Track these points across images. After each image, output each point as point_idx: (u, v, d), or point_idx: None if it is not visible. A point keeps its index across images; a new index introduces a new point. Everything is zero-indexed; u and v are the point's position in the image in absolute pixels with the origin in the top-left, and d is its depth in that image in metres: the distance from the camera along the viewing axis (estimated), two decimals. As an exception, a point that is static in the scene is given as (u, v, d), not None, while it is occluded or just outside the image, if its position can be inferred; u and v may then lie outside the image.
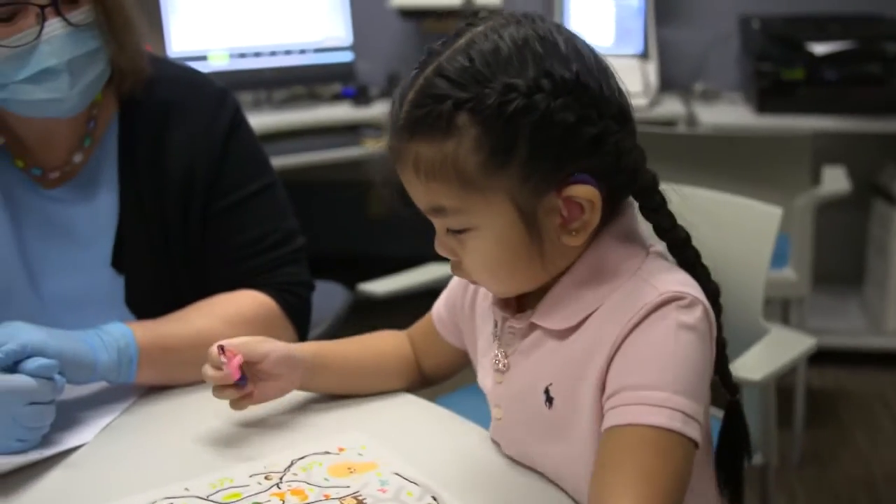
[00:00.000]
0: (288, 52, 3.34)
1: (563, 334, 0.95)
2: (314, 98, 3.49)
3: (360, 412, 1.15)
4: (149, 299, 1.28)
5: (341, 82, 3.52)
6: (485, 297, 1.08)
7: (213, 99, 1.33)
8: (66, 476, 1.02)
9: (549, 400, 0.95)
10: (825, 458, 2.58)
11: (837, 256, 3.40)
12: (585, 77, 0.87)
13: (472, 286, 1.11)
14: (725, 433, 1.08)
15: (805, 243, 2.63)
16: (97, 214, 1.29)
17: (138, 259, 1.29)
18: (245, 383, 1.06)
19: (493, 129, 0.86)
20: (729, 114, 3.00)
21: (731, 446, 1.07)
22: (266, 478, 0.98)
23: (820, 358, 2.93)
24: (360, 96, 3.43)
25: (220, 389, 1.07)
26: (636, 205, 0.96)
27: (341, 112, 3.33)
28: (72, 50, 1.15)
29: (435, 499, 0.94)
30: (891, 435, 2.73)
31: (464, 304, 1.13)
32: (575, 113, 0.86)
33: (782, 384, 2.64)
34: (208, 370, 1.06)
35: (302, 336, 1.35)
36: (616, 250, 0.94)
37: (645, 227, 0.98)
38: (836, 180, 2.74)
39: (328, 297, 1.76)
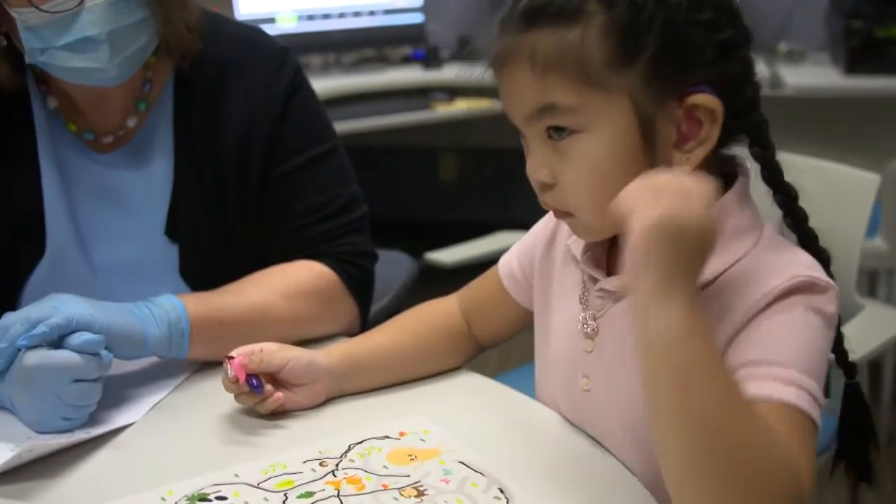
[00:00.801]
0: (357, 14, 3.29)
1: None
2: (383, 61, 3.45)
3: (421, 393, 1.07)
4: (203, 269, 1.22)
5: (411, 45, 3.48)
6: (565, 259, 1.01)
7: (273, 57, 1.27)
8: (112, 457, 0.97)
9: None
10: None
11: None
12: None
13: (557, 236, 1.04)
14: (846, 417, 1.01)
15: (898, 212, 2.48)
16: (151, 180, 1.23)
17: (193, 227, 1.22)
18: (261, 389, 1.00)
19: (623, 19, 0.81)
20: (816, 75, 2.85)
21: (853, 430, 1.00)
22: (321, 464, 0.91)
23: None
24: (430, 59, 3.38)
25: (239, 397, 1.02)
26: (749, 172, 0.90)
27: (411, 75, 3.28)
28: (114, 20, 1.09)
29: (502, 490, 0.86)
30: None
31: (543, 256, 1.05)
32: (707, 14, 0.82)
33: (870, 360, 2.52)
34: (224, 378, 1.01)
35: (364, 310, 1.28)
36: (734, 216, 0.86)
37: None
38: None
39: (393, 266, 1.69)
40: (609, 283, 0.93)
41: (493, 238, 1.94)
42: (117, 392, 1.06)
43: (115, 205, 1.23)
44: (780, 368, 0.79)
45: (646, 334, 0.73)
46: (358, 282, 1.25)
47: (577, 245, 0.98)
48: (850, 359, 0.98)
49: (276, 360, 1.02)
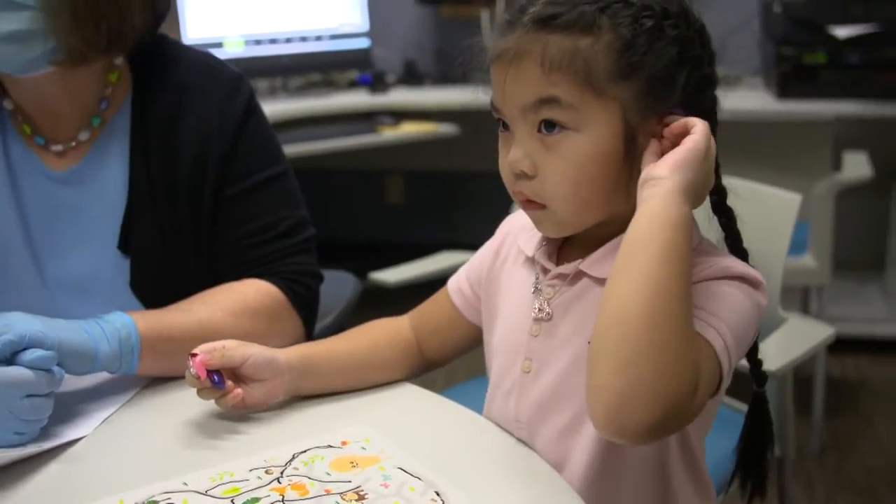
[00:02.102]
0: (304, 39, 3.33)
1: None
2: (330, 85, 3.48)
3: (363, 404, 1.12)
4: (155, 284, 1.26)
5: (357, 69, 3.51)
6: (514, 264, 1.10)
7: (228, 84, 1.32)
8: (64, 470, 1.00)
9: None
10: (845, 448, 2.54)
11: (858, 242, 3.35)
12: (707, 34, 0.98)
13: (503, 250, 1.13)
14: (749, 425, 1.10)
15: (825, 230, 2.58)
16: (105, 195, 1.27)
17: (146, 242, 1.26)
18: (222, 385, 1.05)
19: (627, 39, 0.92)
20: (749, 99, 2.94)
21: (754, 439, 1.10)
22: (266, 472, 0.96)
23: (840, 346, 2.88)
24: (377, 83, 3.42)
25: (201, 392, 1.06)
26: None
27: (357, 99, 3.32)
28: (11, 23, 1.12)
29: (438, 494, 0.91)
30: (913, 424, 2.69)
31: (491, 269, 1.13)
32: (694, 50, 0.95)
33: (801, 373, 2.60)
34: (188, 374, 1.05)
35: (309, 328, 1.32)
36: None
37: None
38: (857, 166, 2.69)
39: (338, 286, 1.73)
40: (563, 269, 1.02)
41: (437, 258, 1.99)
42: (68, 407, 1.09)
43: (69, 219, 1.26)
44: (715, 318, 0.90)
45: (653, 208, 0.87)
46: (304, 300, 1.30)
47: (528, 244, 1.07)
48: (764, 368, 1.08)
49: (237, 355, 1.07)
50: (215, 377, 1.05)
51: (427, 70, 3.65)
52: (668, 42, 0.93)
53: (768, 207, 1.54)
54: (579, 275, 1.01)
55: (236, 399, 1.06)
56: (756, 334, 0.99)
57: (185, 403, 1.11)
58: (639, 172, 0.93)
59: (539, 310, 1.03)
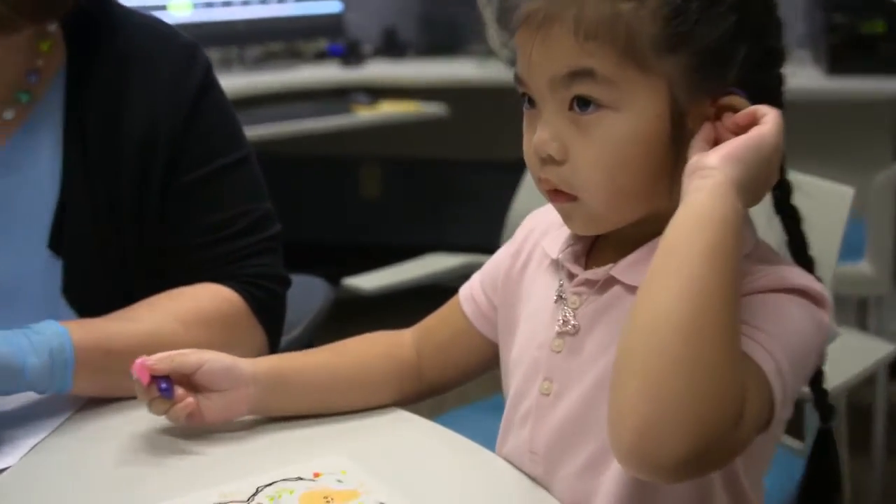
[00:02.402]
0: (264, 2, 3.37)
1: None
2: (295, 56, 3.53)
3: (339, 430, 1.14)
4: (91, 290, 1.28)
5: (327, 38, 3.56)
6: (537, 269, 1.11)
7: (181, 54, 1.34)
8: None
9: None
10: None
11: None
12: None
13: (524, 251, 1.14)
14: (813, 468, 1.10)
15: (885, 230, 2.62)
16: (35, 185, 1.29)
17: (81, 240, 1.29)
18: (170, 393, 1.07)
19: (677, 4, 0.92)
20: (795, 75, 2.97)
21: (819, 482, 1.10)
22: (225, 508, 0.98)
23: (904, 370, 2.93)
24: (350, 55, 3.48)
25: (151, 404, 1.09)
26: None
27: (327, 73, 3.38)
28: None
29: (427, 534, 0.94)
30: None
31: (510, 273, 1.15)
32: (758, 18, 0.96)
33: (858, 402, 2.63)
34: (136, 384, 1.08)
35: (273, 339, 1.35)
36: None
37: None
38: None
39: (307, 293, 1.76)
40: (592, 274, 1.03)
41: (422, 261, 2.01)
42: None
43: None
44: (766, 337, 0.90)
45: (699, 202, 0.88)
46: (267, 308, 1.32)
47: (553, 245, 1.08)
48: (829, 402, 1.09)
49: (191, 360, 1.09)
50: (163, 384, 1.07)
51: (409, 39, 3.70)
52: (726, 9, 0.93)
53: (816, 203, 1.56)
54: (610, 281, 1.01)
55: (187, 409, 1.08)
56: (819, 360, 0.99)
57: (126, 429, 1.14)
58: (685, 161, 0.93)
59: (563, 322, 1.04)
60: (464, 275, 2.02)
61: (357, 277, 1.96)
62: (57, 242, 1.29)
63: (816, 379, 1.06)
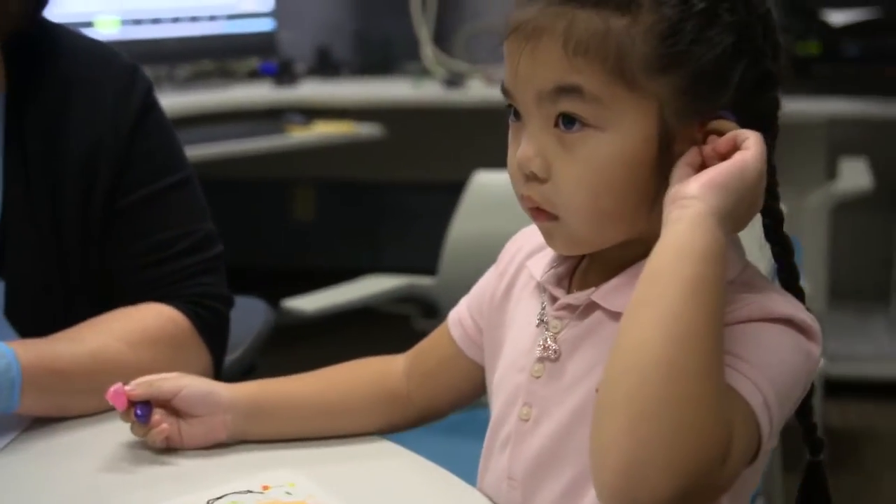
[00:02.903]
0: (194, 19, 3.39)
1: None
2: (226, 76, 3.55)
3: (289, 445, 1.19)
4: (34, 311, 1.33)
5: (259, 57, 3.58)
6: (522, 289, 1.12)
7: (122, 75, 1.40)
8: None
9: None
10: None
11: (859, 267, 3.51)
12: (773, 20, 0.98)
13: (509, 271, 1.15)
14: (804, 498, 1.12)
15: (819, 250, 2.72)
16: None
17: (22, 263, 1.34)
18: (145, 419, 1.13)
19: (672, 21, 0.92)
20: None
21: None
22: (176, 521, 1.04)
23: (841, 389, 3.05)
24: (283, 74, 3.50)
25: (131, 427, 1.15)
26: None
27: (260, 93, 3.39)
28: None
29: (377, 542, 1.00)
30: (924, 480, 2.84)
31: (494, 295, 1.16)
32: (754, 42, 0.95)
33: (793, 421, 2.72)
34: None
35: (218, 359, 1.40)
36: None
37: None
38: (855, 174, 2.84)
39: (246, 314, 1.80)
40: (573, 298, 1.03)
41: (363, 283, 2.07)
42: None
43: None
44: (752, 368, 0.90)
45: (679, 234, 0.88)
46: (211, 327, 1.38)
47: (538, 266, 1.09)
48: (819, 435, 1.10)
49: (167, 386, 1.15)
50: (138, 410, 1.13)
51: (343, 58, 3.75)
52: (723, 29, 0.93)
53: (752, 221, 1.65)
54: (592, 306, 1.02)
55: (162, 434, 1.13)
56: (805, 391, 0.99)
57: (76, 448, 1.19)
58: (666, 186, 0.94)
59: (544, 347, 1.05)
60: (403, 296, 2.10)
61: (297, 299, 2.01)
62: None
63: (806, 412, 1.06)
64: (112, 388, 1.12)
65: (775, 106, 1.00)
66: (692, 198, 0.89)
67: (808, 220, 2.69)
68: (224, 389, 1.18)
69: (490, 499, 1.09)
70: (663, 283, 0.87)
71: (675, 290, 0.86)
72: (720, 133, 0.94)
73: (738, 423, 0.87)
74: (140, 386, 1.13)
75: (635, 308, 0.88)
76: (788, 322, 0.94)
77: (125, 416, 1.14)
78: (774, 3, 1.00)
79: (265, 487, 1.09)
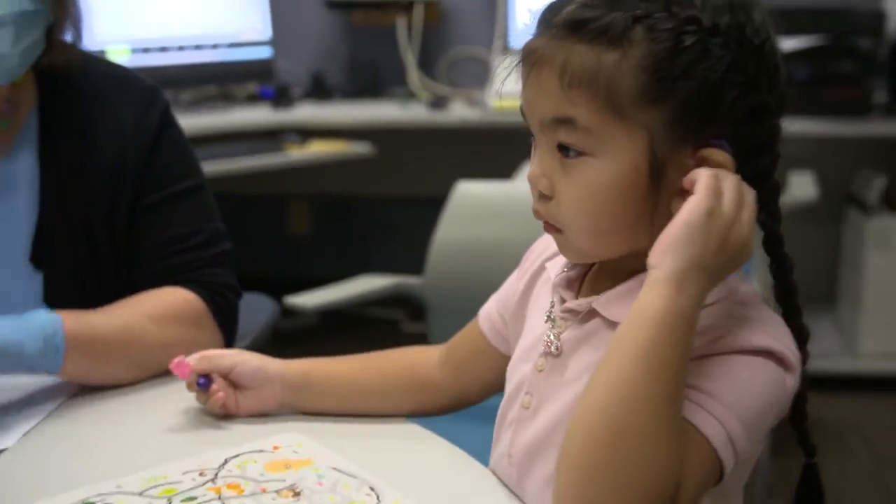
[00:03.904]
0: (198, 47, 3.44)
1: None
2: (227, 99, 3.59)
3: (295, 414, 1.29)
4: (69, 298, 1.42)
5: (258, 82, 3.63)
6: (543, 286, 1.14)
7: (142, 96, 1.51)
8: (-11, 478, 1.15)
9: None
10: (793, 489, 2.76)
11: (807, 272, 3.59)
12: (769, 47, 0.96)
13: (533, 269, 1.17)
14: (800, 498, 1.14)
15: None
16: (14, 207, 1.44)
17: (59, 255, 1.44)
18: (205, 387, 1.25)
19: (662, 56, 0.92)
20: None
21: None
22: (200, 474, 1.13)
23: (789, 383, 3.13)
24: (280, 98, 3.54)
25: (196, 395, 1.26)
26: None
27: (259, 115, 3.43)
28: (20, 3, 1.31)
29: (373, 489, 1.10)
30: (866, 466, 2.92)
31: (518, 290, 1.19)
32: (745, 74, 0.93)
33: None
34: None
35: (229, 342, 1.50)
36: None
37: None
38: (803, 187, 2.92)
39: (254, 309, 1.88)
40: (575, 304, 1.05)
41: (356, 282, 2.15)
42: (-12, 418, 1.25)
43: None
44: (719, 405, 0.91)
45: (640, 299, 0.88)
46: (224, 312, 1.48)
47: (554, 266, 1.12)
48: (812, 440, 1.11)
49: (225, 361, 1.25)
50: (200, 380, 1.24)
51: (336, 83, 3.82)
52: (713, 63, 0.92)
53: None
54: (592, 313, 1.03)
55: (218, 402, 1.24)
56: (779, 418, 0.98)
57: (111, 415, 1.29)
58: (663, 209, 0.94)
59: (548, 343, 1.07)
60: (392, 295, 2.17)
61: (298, 297, 2.09)
62: (37, 258, 1.44)
63: (800, 418, 1.06)
64: (175, 360, 1.23)
65: (772, 134, 0.98)
66: (652, 267, 0.89)
67: (757, 228, 2.78)
68: (274, 365, 1.27)
69: (495, 471, 1.14)
70: (620, 347, 0.88)
71: (628, 355, 0.87)
72: (712, 161, 0.93)
73: (695, 463, 0.89)
74: (202, 360, 1.24)
75: (598, 369, 0.89)
76: (768, 354, 0.94)
77: (189, 384, 1.24)
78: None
79: (276, 447, 1.19)
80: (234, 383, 1.26)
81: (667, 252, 0.89)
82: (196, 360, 1.24)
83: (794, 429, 1.08)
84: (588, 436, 0.87)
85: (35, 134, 1.46)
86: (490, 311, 1.25)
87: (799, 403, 1.05)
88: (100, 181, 1.46)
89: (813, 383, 3.13)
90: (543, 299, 1.13)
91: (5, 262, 1.44)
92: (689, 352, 0.89)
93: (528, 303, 1.17)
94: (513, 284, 1.22)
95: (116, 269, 1.48)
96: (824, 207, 3.08)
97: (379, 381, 1.29)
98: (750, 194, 0.92)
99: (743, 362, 0.93)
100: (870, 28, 3.19)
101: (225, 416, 1.26)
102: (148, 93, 1.52)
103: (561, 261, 1.10)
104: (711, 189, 0.89)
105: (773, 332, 0.96)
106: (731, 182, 0.91)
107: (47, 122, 1.46)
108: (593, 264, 1.07)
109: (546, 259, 1.16)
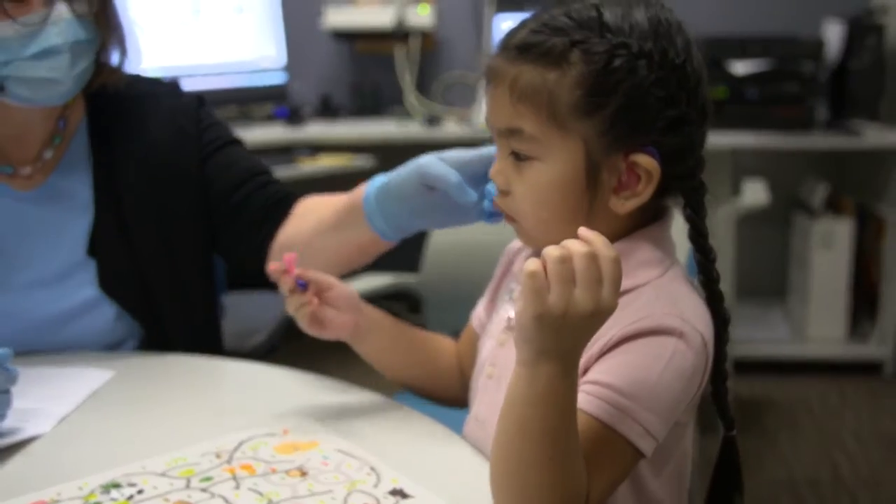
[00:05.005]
0: (221, 73, 3.44)
1: None
2: (247, 118, 3.58)
3: (301, 401, 1.26)
4: (122, 284, 1.43)
5: (274, 103, 3.62)
6: (515, 276, 1.16)
7: (173, 87, 1.54)
8: (25, 461, 1.11)
9: None
10: (750, 463, 2.75)
11: (761, 268, 3.59)
12: (689, 68, 0.97)
13: (503, 265, 1.20)
14: (719, 469, 1.11)
15: (726, 255, 2.80)
16: (73, 208, 1.43)
17: (112, 247, 1.43)
18: (304, 289, 1.17)
19: (595, 75, 0.94)
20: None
21: (723, 483, 1.11)
22: (217, 456, 1.10)
23: (746, 367, 3.14)
24: (293, 117, 3.53)
25: (288, 298, 1.17)
26: (672, 219, 1.05)
27: (274, 132, 3.42)
28: (75, 34, 1.30)
29: (373, 468, 1.06)
30: (813, 439, 2.91)
31: (494, 284, 1.21)
32: (667, 90, 0.95)
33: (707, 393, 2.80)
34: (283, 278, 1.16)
35: None
36: (644, 251, 1.01)
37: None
38: (755, 193, 2.92)
39: (269, 305, 1.86)
40: None
41: (360, 279, 2.12)
42: (25, 406, 1.21)
43: (39, 232, 1.41)
44: (626, 400, 0.91)
45: (509, 384, 0.88)
46: None
47: (521, 258, 1.14)
48: (731, 414, 1.08)
49: (327, 279, 1.18)
50: (301, 282, 1.16)
51: (343, 104, 3.80)
52: (639, 81, 0.94)
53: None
54: None
55: (308, 308, 1.17)
56: (700, 387, 0.98)
57: (136, 403, 1.26)
58: (601, 203, 0.98)
59: (509, 319, 1.10)
60: (393, 291, 2.15)
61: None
62: (92, 249, 1.43)
63: (720, 393, 1.05)
64: (288, 255, 1.16)
65: (693, 141, 0.98)
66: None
67: (717, 230, 2.76)
68: (363, 301, 1.21)
69: (467, 435, 1.15)
70: (503, 420, 0.89)
71: (511, 427, 0.88)
72: (640, 165, 0.96)
73: (605, 463, 0.90)
74: (307, 272, 1.16)
75: (497, 424, 0.90)
76: (653, 333, 0.93)
77: (287, 284, 1.15)
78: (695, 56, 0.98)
79: (285, 431, 1.16)
80: (326, 302, 1.19)
81: (516, 343, 0.87)
82: (302, 270, 1.16)
83: (714, 402, 1.07)
84: (493, 469, 0.91)
85: (86, 146, 1.45)
86: (479, 310, 1.26)
87: (717, 379, 1.03)
88: (160, 160, 1.45)
89: (766, 367, 3.17)
90: (513, 287, 1.15)
91: (68, 253, 1.43)
92: (567, 412, 0.86)
93: (500, 292, 1.19)
94: (493, 281, 1.23)
95: (194, 255, 1.48)
96: (774, 212, 3.07)
97: (431, 355, 1.27)
98: (607, 263, 0.83)
99: (649, 345, 0.93)
100: (811, 54, 3.19)
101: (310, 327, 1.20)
102: (174, 86, 1.55)
103: (527, 252, 1.13)
104: (532, 292, 0.83)
105: (686, 306, 0.97)
106: (580, 261, 0.83)
107: (96, 136, 1.45)
108: None
109: (516, 253, 1.19)
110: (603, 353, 0.96)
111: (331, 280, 1.19)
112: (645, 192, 0.98)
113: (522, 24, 0.99)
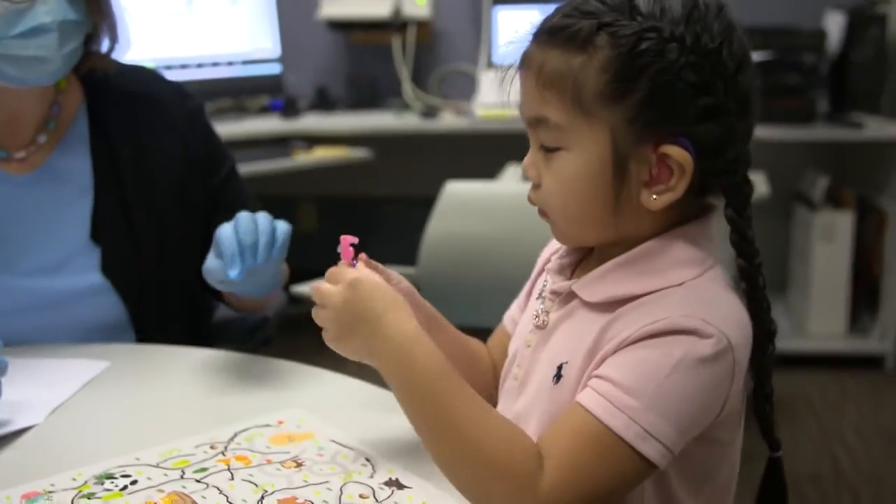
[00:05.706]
0: (215, 64, 3.45)
1: (597, 313, 0.97)
2: (242, 110, 3.58)
3: (298, 392, 1.27)
4: (123, 268, 1.45)
5: (269, 95, 3.63)
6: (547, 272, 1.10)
7: (175, 89, 1.54)
8: (19, 452, 1.12)
9: (558, 377, 0.98)
10: (751, 458, 2.75)
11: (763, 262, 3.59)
12: (726, 54, 0.91)
13: (539, 265, 1.15)
14: (764, 491, 1.10)
15: (726, 247, 2.80)
16: (72, 193, 1.44)
17: (113, 231, 1.45)
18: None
19: (622, 59, 0.91)
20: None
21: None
22: (211, 447, 1.10)
23: (746, 361, 3.12)
24: (289, 108, 3.54)
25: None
26: (718, 220, 0.99)
27: (269, 124, 3.43)
28: (63, 13, 1.31)
29: (368, 459, 1.07)
30: (814, 434, 2.92)
31: (529, 284, 1.17)
32: (700, 76, 0.90)
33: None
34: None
35: None
36: (679, 250, 0.96)
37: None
38: (756, 186, 2.91)
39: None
40: (558, 286, 1.03)
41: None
42: (18, 396, 1.21)
43: (37, 215, 1.43)
44: (625, 395, 0.88)
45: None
46: None
47: (555, 255, 1.09)
48: (776, 435, 1.07)
49: (387, 270, 1.11)
50: (354, 263, 1.10)
51: (338, 96, 3.80)
52: (668, 66, 0.90)
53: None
54: (571, 295, 1.01)
55: None
56: (725, 396, 0.93)
57: (130, 394, 1.27)
58: (631, 197, 0.94)
59: (537, 316, 1.05)
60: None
61: (303, 285, 2.07)
62: (95, 234, 1.44)
63: (764, 412, 1.04)
64: (346, 238, 1.11)
65: (731, 133, 0.93)
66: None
67: (718, 223, 2.77)
68: (421, 297, 1.15)
69: None
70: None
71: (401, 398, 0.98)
72: (671, 157, 0.92)
73: (588, 456, 0.88)
74: (369, 262, 1.09)
75: None
76: (668, 333, 0.90)
77: (342, 260, 1.09)
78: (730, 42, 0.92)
79: (280, 422, 1.17)
80: None
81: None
82: (364, 257, 1.09)
83: (758, 421, 1.04)
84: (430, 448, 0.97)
85: (85, 131, 1.47)
86: (512, 311, 1.21)
87: (759, 396, 1.01)
88: (164, 167, 1.48)
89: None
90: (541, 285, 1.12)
91: (70, 237, 1.44)
92: (414, 387, 0.96)
93: (533, 292, 1.15)
94: (528, 282, 1.18)
95: (184, 242, 1.50)
96: (775, 204, 3.07)
97: (469, 357, 1.20)
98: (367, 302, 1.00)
99: (661, 345, 0.89)
100: (812, 45, 3.19)
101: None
102: (176, 85, 1.56)
103: (563, 250, 1.08)
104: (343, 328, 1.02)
105: (710, 308, 0.91)
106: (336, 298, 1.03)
107: (96, 121, 1.47)
108: (590, 253, 1.05)
109: (552, 253, 1.13)
110: (616, 351, 0.92)
111: (390, 273, 1.12)
112: (678, 186, 0.93)
113: (557, 10, 0.96)
